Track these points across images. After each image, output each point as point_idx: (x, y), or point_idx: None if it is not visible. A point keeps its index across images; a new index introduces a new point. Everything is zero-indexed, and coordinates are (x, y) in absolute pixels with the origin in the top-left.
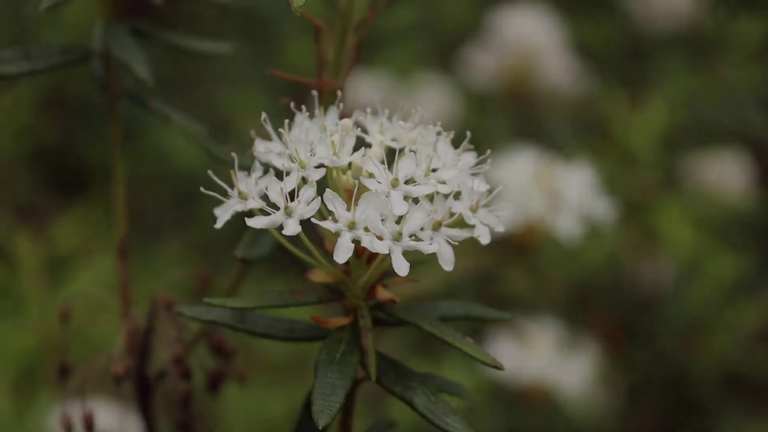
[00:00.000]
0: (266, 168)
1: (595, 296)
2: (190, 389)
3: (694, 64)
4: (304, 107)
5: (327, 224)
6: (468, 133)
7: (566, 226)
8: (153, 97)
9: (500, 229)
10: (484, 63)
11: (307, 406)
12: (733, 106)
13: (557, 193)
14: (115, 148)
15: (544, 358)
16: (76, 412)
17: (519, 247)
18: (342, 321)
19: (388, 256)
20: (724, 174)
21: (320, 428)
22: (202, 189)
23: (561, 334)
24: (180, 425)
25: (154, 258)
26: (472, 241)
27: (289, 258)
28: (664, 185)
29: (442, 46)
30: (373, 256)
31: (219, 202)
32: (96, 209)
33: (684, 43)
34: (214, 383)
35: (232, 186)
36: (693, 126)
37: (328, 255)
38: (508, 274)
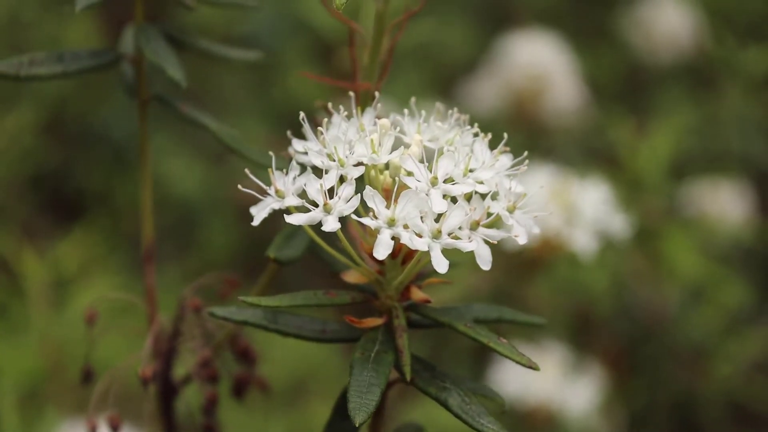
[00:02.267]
0: (302, 167)
1: (599, 321)
2: (216, 393)
3: (697, 94)
4: (342, 107)
5: (367, 221)
6: (505, 135)
7: (582, 240)
8: (185, 102)
9: (536, 230)
10: (489, 89)
11: (338, 407)
12: (736, 135)
13: (573, 208)
14: (144, 153)
15: (551, 379)
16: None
17: (533, 262)
18: (376, 321)
19: (423, 257)
20: (726, 203)
21: (356, 425)
22: (240, 187)
23: (567, 356)
24: (205, 430)
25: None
26: None
27: (320, 261)
28: (669, 212)
29: (443, 76)
30: (408, 256)
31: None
32: (95, 234)
33: (686, 73)
34: (240, 389)
35: (269, 185)
36: (697, 155)
37: (363, 256)
38: (522, 291)
